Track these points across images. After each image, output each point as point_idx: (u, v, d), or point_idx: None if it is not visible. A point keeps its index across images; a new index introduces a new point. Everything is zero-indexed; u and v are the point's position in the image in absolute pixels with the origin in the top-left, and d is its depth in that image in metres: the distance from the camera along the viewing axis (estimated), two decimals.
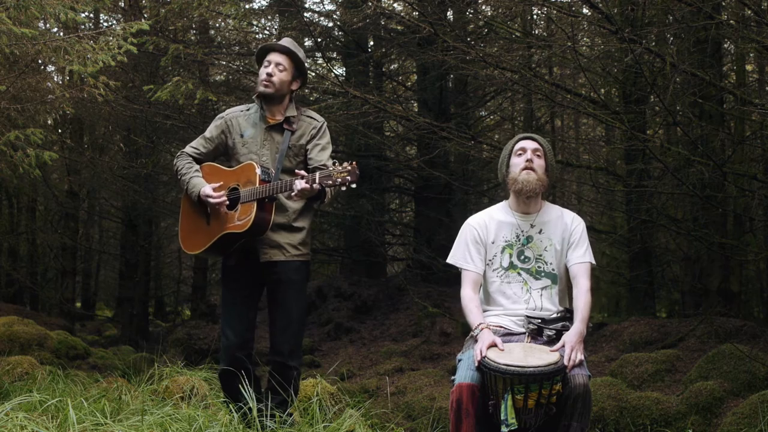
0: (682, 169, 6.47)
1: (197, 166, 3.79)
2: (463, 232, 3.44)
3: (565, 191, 11.30)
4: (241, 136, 3.75)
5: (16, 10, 5.35)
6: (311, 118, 3.81)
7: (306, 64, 3.87)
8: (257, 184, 3.52)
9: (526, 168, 3.31)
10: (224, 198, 3.59)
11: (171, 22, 8.78)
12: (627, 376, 6.12)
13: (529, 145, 3.36)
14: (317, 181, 3.35)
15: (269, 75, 3.69)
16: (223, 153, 3.87)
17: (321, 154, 3.72)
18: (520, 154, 3.35)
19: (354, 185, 3.34)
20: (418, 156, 11.07)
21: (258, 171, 3.55)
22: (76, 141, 12.69)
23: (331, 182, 3.34)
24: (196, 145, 3.86)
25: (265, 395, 3.58)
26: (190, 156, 3.83)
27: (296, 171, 3.45)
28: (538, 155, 3.34)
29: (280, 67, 3.72)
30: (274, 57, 3.73)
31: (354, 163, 3.35)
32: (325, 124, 3.83)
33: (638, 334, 7.29)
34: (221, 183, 3.67)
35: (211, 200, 3.59)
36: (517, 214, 3.39)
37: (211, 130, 3.85)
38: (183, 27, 9.95)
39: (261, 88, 3.71)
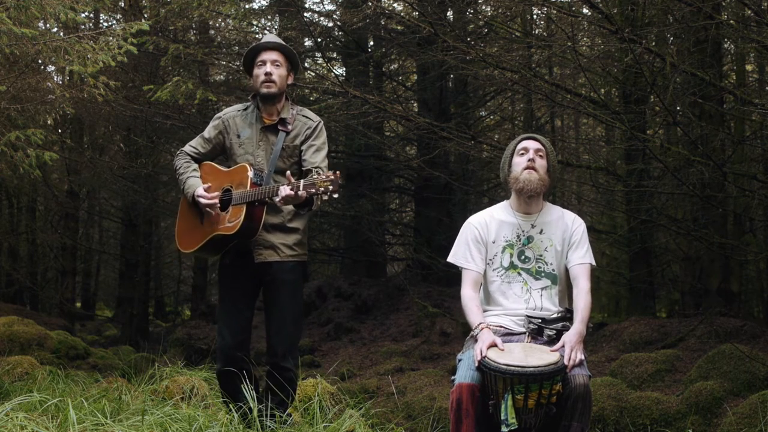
0: (682, 169, 6.47)
1: (195, 165, 3.78)
2: (464, 231, 3.43)
3: (565, 191, 11.30)
4: (238, 136, 3.73)
5: (16, 10, 5.35)
6: (307, 117, 3.75)
7: (296, 56, 3.85)
8: (248, 187, 3.51)
9: (528, 167, 3.30)
10: (215, 200, 3.58)
11: (171, 22, 8.79)
12: (627, 376, 6.12)
13: (532, 145, 3.36)
14: (302, 188, 3.29)
15: (269, 74, 3.65)
16: (221, 153, 3.85)
17: (315, 155, 3.66)
18: (522, 154, 3.35)
19: (335, 195, 3.27)
20: (418, 156, 11.07)
21: (250, 174, 3.53)
22: (76, 141, 12.70)
23: (314, 190, 3.28)
24: (195, 144, 3.85)
25: (264, 396, 3.57)
26: (189, 155, 3.82)
27: (288, 173, 3.38)
28: (540, 155, 3.34)
29: (277, 63, 3.69)
30: (268, 55, 3.69)
31: (337, 172, 3.28)
32: (321, 123, 3.77)
33: (638, 334, 7.29)
34: (210, 185, 3.66)
35: (202, 201, 3.58)
36: (519, 214, 3.38)
37: (209, 131, 3.83)
38: (183, 27, 9.96)
39: (264, 90, 3.65)
